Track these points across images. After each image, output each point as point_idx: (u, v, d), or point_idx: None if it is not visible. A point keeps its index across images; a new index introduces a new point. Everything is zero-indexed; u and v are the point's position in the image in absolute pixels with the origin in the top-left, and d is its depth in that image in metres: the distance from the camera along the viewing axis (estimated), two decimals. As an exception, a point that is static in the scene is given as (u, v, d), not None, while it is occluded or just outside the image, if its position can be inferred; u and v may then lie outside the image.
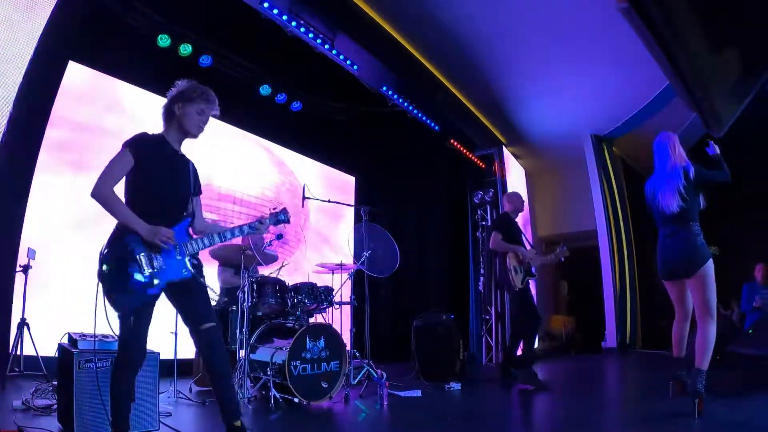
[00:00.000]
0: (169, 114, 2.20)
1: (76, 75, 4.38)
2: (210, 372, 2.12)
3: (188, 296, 2.12)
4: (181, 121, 2.18)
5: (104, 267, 1.98)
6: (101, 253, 2.01)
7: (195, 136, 2.24)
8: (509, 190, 7.32)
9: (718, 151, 3.18)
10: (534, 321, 4.52)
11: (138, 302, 2.00)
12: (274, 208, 2.43)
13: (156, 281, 2.02)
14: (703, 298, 3.00)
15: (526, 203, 5.16)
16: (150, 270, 2.01)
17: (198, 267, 2.19)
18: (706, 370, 2.89)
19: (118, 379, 2.05)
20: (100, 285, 1.98)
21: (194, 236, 2.21)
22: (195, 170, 2.31)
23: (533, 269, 4.58)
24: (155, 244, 2.00)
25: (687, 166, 3.10)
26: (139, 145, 2.08)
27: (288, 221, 2.43)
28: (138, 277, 1.99)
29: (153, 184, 2.10)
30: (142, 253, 2.01)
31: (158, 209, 2.08)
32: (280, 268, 4.15)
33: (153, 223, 2.02)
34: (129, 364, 2.06)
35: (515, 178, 8.27)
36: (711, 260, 3.00)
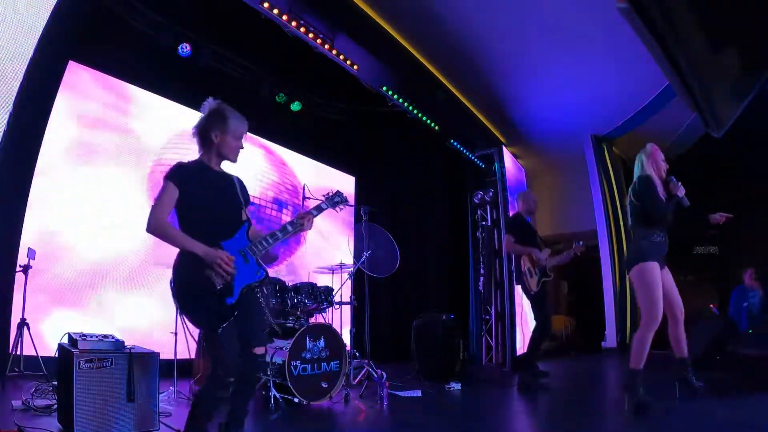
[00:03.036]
0: (205, 140, 2.21)
1: (76, 75, 4.39)
2: (236, 391, 2.11)
3: (248, 312, 2.11)
4: (220, 149, 2.21)
5: (178, 291, 2.01)
6: (172, 282, 2.02)
7: (234, 161, 2.28)
8: (513, 191, 7.34)
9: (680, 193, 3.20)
10: (539, 328, 4.35)
11: (219, 315, 1.99)
12: (327, 194, 2.49)
13: (232, 289, 2.03)
14: (639, 298, 3.09)
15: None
16: (222, 281, 2.00)
17: (265, 269, 2.20)
18: (634, 369, 2.97)
19: (207, 398, 2.04)
20: (180, 310, 2.02)
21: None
22: (241, 183, 2.33)
23: (548, 270, 4.43)
24: (214, 268, 1.99)
25: (635, 181, 3.27)
26: (179, 174, 2.10)
27: (346, 201, 2.51)
28: (212, 290, 1.99)
29: (201, 209, 2.11)
30: (208, 269, 2.01)
31: (211, 230, 2.09)
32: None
33: (210, 241, 2.03)
34: (220, 381, 2.04)
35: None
36: (641, 264, 3.04)
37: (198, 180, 2.14)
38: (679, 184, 3.19)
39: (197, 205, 2.10)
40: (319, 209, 2.39)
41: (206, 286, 1.99)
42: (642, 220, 3.19)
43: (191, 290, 2.00)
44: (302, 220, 2.28)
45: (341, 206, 2.51)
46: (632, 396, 2.95)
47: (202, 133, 2.21)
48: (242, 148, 2.29)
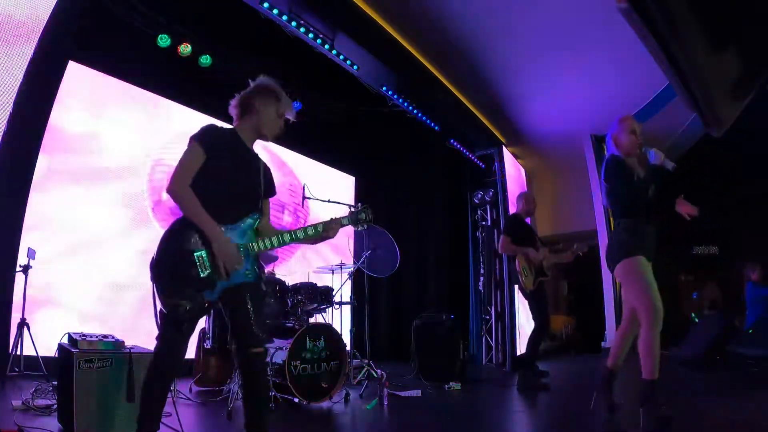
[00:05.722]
0: (246, 108, 2.03)
1: (76, 75, 4.38)
2: (247, 399, 1.97)
3: (243, 309, 1.92)
4: (258, 120, 2.04)
5: (161, 261, 1.81)
6: (159, 247, 1.84)
7: (269, 139, 2.11)
8: (513, 191, 7.33)
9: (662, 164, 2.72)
10: (538, 328, 4.36)
11: (194, 304, 1.81)
12: (353, 208, 2.25)
13: (215, 284, 1.85)
14: (631, 297, 2.75)
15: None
16: (209, 271, 1.83)
17: (260, 270, 2.00)
18: (649, 379, 2.58)
19: (153, 387, 1.88)
20: (155, 281, 1.81)
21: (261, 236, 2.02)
22: (268, 171, 2.15)
23: (545, 269, 4.43)
24: (220, 263, 1.83)
25: (605, 159, 2.82)
26: (208, 137, 1.93)
27: (371, 221, 2.20)
28: (195, 276, 1.82)
29: (224, 179, 1.92)
30: (204, 252, 1.84)
31: (226, 204, 1.92)
32: None
33: (219, 217, 1.87)
34: (168, 373, 1.89)
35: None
36: (630, 260, 2.66)
37: (228, 148, 1.96)
38: (651, 151, 2.72)
39: (218, 177, 1.90)
40: (340, 224, 2.15)
41: (194, 268, 1.81)
42: (620, 208, 2.79)
43: (178, 267, 1.80)
44: (328, 229, 2.09)
45: (364, 225, 2.20)
46: (652, 410, 2.56)
47: (245, 101, 2.03)
48: (281, 128, 2.13)
